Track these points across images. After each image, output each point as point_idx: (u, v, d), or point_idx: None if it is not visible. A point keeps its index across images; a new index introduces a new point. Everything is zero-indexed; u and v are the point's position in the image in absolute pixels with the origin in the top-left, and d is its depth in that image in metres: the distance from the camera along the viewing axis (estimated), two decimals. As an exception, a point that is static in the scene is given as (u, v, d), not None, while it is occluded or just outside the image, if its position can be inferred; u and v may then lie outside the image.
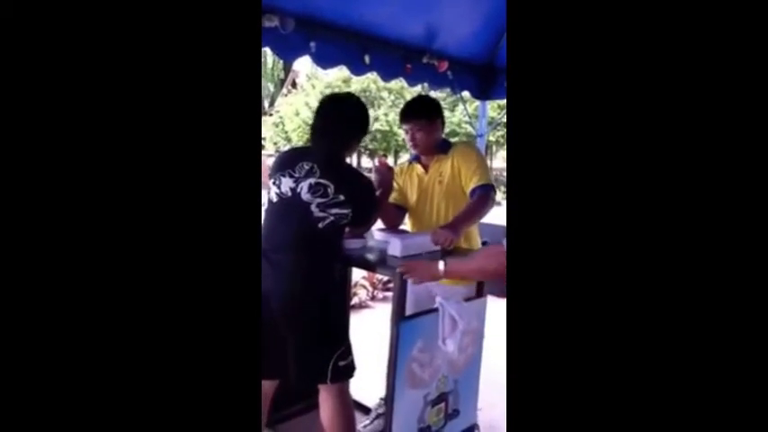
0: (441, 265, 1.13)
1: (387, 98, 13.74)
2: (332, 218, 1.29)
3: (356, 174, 1.41)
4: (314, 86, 15.53)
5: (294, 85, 17.74)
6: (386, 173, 1.57)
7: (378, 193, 1.52)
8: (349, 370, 1.36)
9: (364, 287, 3.55)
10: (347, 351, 1.36)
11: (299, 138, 14.99)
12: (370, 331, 2.54)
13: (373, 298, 3.58)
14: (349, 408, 1.38)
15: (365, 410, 1.85)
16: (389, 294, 3.68)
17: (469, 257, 1.11)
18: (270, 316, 1.25)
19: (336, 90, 14.97)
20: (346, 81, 14.57)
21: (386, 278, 3.67)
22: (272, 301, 1.26)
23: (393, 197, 1.74)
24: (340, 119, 1.38)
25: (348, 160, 1.52)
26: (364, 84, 14.03)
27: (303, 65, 15.72)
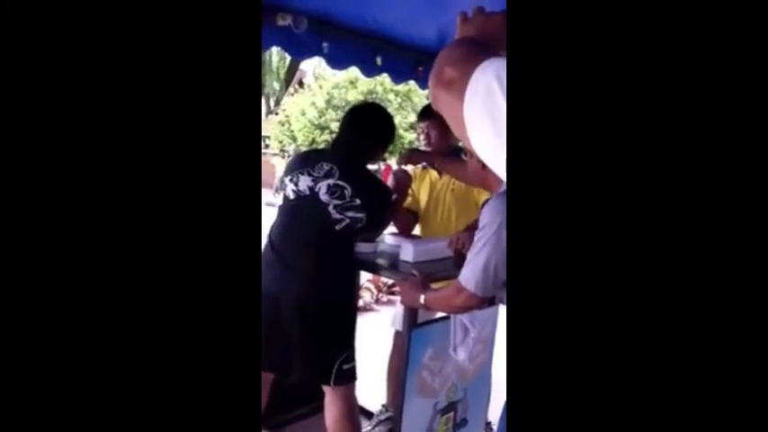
0: (422, 298, 1.15)
1: (393, 101, 13.75)
2: (348, 221, 1.28)
3: (374, 180, 1.41)
4: (321, 87, 15.57)
5: (301, 84, 17.79)
6: (404, 178, 1.56)
7: (394, 197, 1.51)
8: (352, 374, 1.36)
9: (369, 290, 3.54)
10: (351, 355, 1.36)
11: (305, 137, 15.03)
12: (375, 335, 2.51)
13: (378, 301, 3.57)
14: (354, 412, 1.37)
15: (368, 415, 1.83)
16: (394, 298, 3.65)
17: (441, 292, 1.13)
18: (278, 313, 1.24)
19: (343, 90, 15.06)
20: (353, 82, 14.60)
21: (391, 281, 3.65)
22: (283, 299, 1.26)
23: (407, 202, 1.72)
24: (365, 127, 1.39)
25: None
26: (371, 85, 14.05)
27: (310, 64, 15.78)
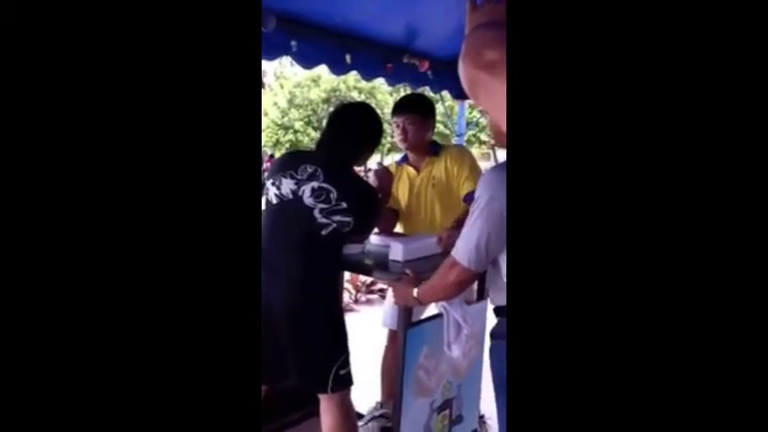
0: (415, 292, 1.14)
1: (357, 98, 13.71)
2: (334, 225, 1.25)
3: (361, 182, 1.37)
4: (282, 86, 15.33)
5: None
6: (385, 177, 1.53)
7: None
8: (349, 379, 1.33)
9: (347, 290, 3.51)
10: (347, 360, 1.33)
11: (269, 138, 14.79)
12: (356, 335, 2.49)
13: (356, 301, 3.54)
14: (351, 418, 1.34)
15: (358, 416, 1.82)
16: (373, 297, 3.64)
17: (432, 278, 1.11)
18: (269, 322, 1.21)
19: (305, 89, 14.89)
20: (315, 80, 14.47)
21: (369, 281, 3.63)
22: (272, 308, 1.22)
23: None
24: (351, 127, 1.35)
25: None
26: (334, 83, 13.96)
27: (270, 64, 15.50)
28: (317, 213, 1.24)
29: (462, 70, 0.80)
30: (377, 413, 1.78)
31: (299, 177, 1.26)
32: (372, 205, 1.35)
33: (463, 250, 0.97)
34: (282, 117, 14.87)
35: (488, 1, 0.69)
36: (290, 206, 1.26)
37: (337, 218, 1.24)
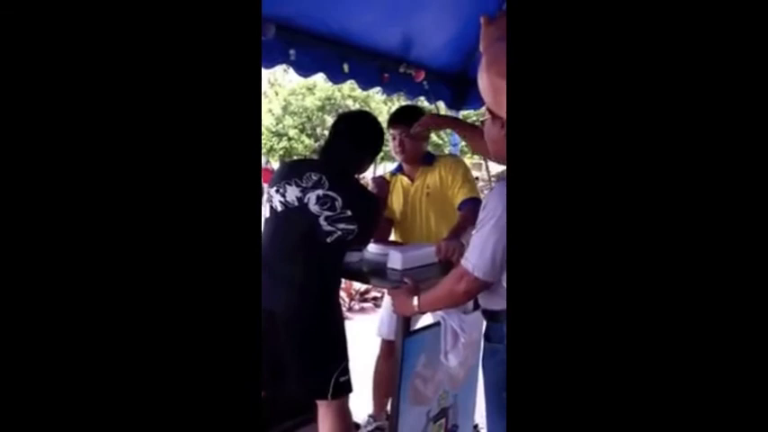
0: (415, 300, 1.14)
1: (352, 106, 13.75)
2: (339, 233, 1.25)
3: (364, 190, 1.38)
4: (277, 93, 15.35)
5: (256, 92, 17.46)
6: (382, 185, 1.55)
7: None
8: (348, 386, 1.33)
9: (341, 298, 3.49)
10: (346, 368, 1.33)
11: (262, 145, 14.77)
12: (349, 344, 2.48)
13: (350, 309, 3.53)
14: (349, 425, 1.35)
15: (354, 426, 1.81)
16: (366, 305, 3.64)
17: (437, 287, 1.10)
18: (270, 329, 1.21)
19: (300, 97, 14.92)
20: (310, 89, 14.50)
21: (363, 289, 3.63)
22: (274, 315, 1.22)
23: None
24: (356, 135, 1.36)
25: None
26: (329, 92, 13.99)
27: (265, 71, 15.56)
28: (322, 221, 1.24)
29: (485, 80, 0.82)
30: (370, 427, 1.77)
31: (303, 185, 1.27)
32: (375, 213, 1.37)
33: (476, 260, 0.96)
34: (277, 124, 14.87)
35: (503, 15, 0.73)
36: (295, 213, 1.26)
37: (342, 225, 1.25)
